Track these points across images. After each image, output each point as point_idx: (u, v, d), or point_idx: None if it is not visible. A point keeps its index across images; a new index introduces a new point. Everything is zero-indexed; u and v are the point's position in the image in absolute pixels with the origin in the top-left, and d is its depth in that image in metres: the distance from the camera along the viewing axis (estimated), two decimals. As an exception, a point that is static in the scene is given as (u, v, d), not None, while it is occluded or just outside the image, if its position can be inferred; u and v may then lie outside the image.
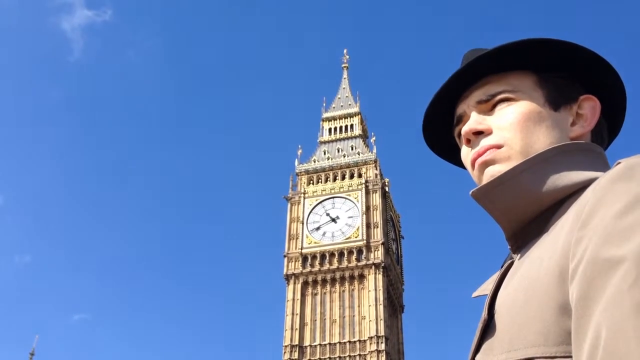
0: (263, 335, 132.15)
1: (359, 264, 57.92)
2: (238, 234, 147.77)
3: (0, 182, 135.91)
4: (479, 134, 1.20)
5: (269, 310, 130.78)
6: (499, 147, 1.16)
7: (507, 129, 1.16)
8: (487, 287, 1.24)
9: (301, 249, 59.68)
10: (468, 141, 1.22)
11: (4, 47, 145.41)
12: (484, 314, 1.05)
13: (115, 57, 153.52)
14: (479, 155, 1.18)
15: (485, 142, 1.18)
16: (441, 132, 1.36)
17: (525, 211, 1.09)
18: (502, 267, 1.18)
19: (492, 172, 1.15)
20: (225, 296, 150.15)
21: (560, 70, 1.23)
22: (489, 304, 1.06)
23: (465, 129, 1.21)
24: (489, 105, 1.22)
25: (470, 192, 1.12)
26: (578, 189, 1.06)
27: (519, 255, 1.11)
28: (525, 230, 1.11)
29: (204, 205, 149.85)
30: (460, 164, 1.34)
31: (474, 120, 1.21)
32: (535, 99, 1.19)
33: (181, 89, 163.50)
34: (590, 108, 1.22)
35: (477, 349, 1.06)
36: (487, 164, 1.17)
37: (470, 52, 1.30)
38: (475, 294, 1.29)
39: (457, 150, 1.33)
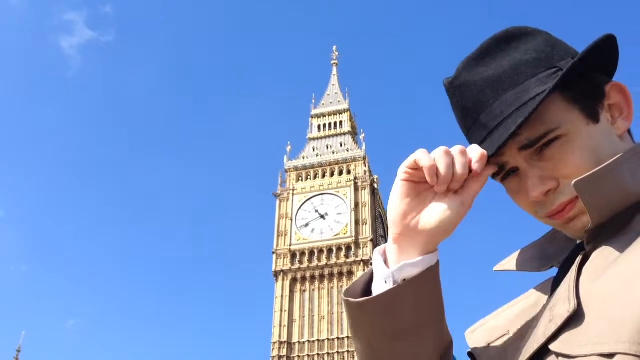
0: (251, 332, 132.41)
1: (348, 260, 57.92)
2: (226, 230, 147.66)
3: (1, 196, 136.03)
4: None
5: (257, 306, 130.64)
6: (576, 198, 1.06)
7: (575, 174, 1.05)
8: (509, 265, 1.23)
9: (290, 245, 59.62)
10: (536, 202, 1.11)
11: (7, 61, 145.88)
12: (573, 303, 0.95)
13: (115, 76, 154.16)
14: (558, 212, 1.09)
15: (561, 199, 1.08)
16: None
17: (617, 204, 1.02)
18: (566, 259, 1.11)
19: (582, 224, 1.07)
20: (214, 293, 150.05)
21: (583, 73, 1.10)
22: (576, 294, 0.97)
23: (534, 194, 1.09)
24: (535, 149, 1.09)
25: (573, 182, 1.01)
26: None
27: (598, 248, 1.03)
28: (610, 223, 1.03)
29: (194, 202, 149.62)
30: None
31: (536, 178, 1.09)
32: (579, 121, 1.08)
33: (173, 89, 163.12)
34: (619, 95, 1.13)
35: (553, 337, 0.97)
36: (571, 219, 1.08)
37: (459, 79, 1.14)
38: (497, 268, 1.25)
39: None
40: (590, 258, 1.03)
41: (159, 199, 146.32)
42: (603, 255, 1.01)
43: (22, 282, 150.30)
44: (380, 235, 63.01)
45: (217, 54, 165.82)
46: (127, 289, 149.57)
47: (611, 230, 1.03)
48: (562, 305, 0.97)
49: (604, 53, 1.10)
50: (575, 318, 0.94)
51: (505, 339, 1.12)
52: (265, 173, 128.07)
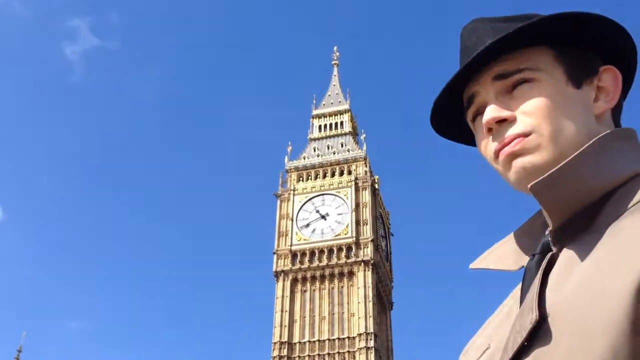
0: (252, 332, 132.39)
1: (349, 261, 57.97)
2: (227, 230, 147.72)
3: (1, 197, 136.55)
4: (502, 121, 1.09)
5: (258, 307, 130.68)
6: (526, 135, 1.06)
7: (534, 114, 1.06)
8: (487, 262, 1.20)
9: (290, 245, 59.66)
10: (489, 130, 1.12)
11: (11, 66, 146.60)
12: (535, 314, 0.92)
13: (118, 79, 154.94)
14: (505, 145, 1.08)
15: (510, 131, 1.08)
16: (447, 116, 1.26)
17: (578, 203, 1.00)
18: (532, 256, 1.08)
19: (522, 164, 1.06)
20: (215, 293, 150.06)
21: (577, 42, 1.14)
22: (539, 303, 0.93)
23: (487, 117, 1.10)
24: (507, 84, 1.11)
25: (529, 186, 1.00)
26: (627, 181, 1.00)
27: (564, 249, 1.00)
28: (571, 222, 1.00)
29: (194, 202, 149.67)
30: (469, 143, 1.26)
31: (495, 108, 1.10)
32: (558, 78, 1.10)
33: (174, 90, 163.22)
34: (611, 80, 1.14)
35: (520, 352, 0.93)
36: (515, 155, 1.07)
37: (471, 25, 1.20)
38: (474, 265, 1.22)
39: (466, 130, 1.24)
40: (557, 261, 1.00)
41: (161, 200, 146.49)
42: (568, 258, 0.97)
43: (24, 284, 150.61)
44: (380, 236, 63.06)
45: (219, 55, 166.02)
46: (129, 291, 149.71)
47: (576, 228, 1.00)
48: (527, 315, 0.94)
49: (609, 37, 1.13)
50: (543, 330, 0.91)
51: (487, 354, 1.08)
52: (266, 173, 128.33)
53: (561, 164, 1.00)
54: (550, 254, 1.02)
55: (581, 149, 1.01)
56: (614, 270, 0.86)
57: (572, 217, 1.00)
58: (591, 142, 1.02)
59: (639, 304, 0.82)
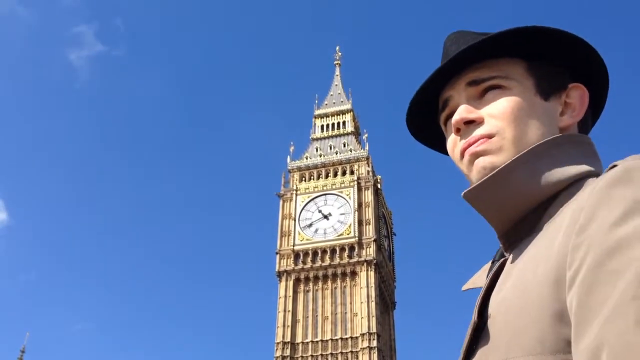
0: (255, 333, 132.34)
1: (351, 260, 57.90)
2: (230, 230, 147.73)
3: (7, 201, 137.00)
4: (470, 123, 1.15)
5: (261, 307, 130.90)
6: (490, 136, 1.11)
7: (500, 118, 1.12)
8: (477, 281, 1.22)
9: (293, 245, 59.59)
10: (458, 130, 1.16)
11: (16, 71, 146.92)
12: (474, 317, 1.01)
13: (123, 88, 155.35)
14: (470, 145, 1.13)
15: (477, 132, 1.13)
16: (425, 121, 1.30)
17: (518, 209, 1.06)
18: (492, 262, 1.16)
19: (484, 163, 1.11)
20: (218, 294, 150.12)
21: (549, 57, 1.18)
22: (481, 306, 1.02)
23: (456, 117, 1.16)
24: (479, 90, 1.17)
25: (462, 194, 1.08)
26: (571, 183, 1.05)
27: (511, 254, 1.08)
28: (517, 228, 1.07)
29: (197, 203, 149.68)
30: (446, 151, 1.28)
31: (464, 109, 1.16)
32: (527, 88, 1.15)
33: (177, 91, 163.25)
34: (578, 97, 1.18)
35: (468, 352, 1.02)
36: (477, 154, 1.12)
37: (454, 35, 1.24)
38: (465, 287, 1.26)
39: (442, 138, 1.27)
40: (505, 265, 1.07)
41: (163, 202, 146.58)
42: (510, 261, 1.06)
43: (28, 285, 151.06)
44: (383, 236, 62.93)
45: (221, 55, 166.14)
46: (131, 292, 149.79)
47: (521, 233, 1.07)
48: (472, 318, 1.02)
49: (579, 56, 1.18)
50: (485, 332, 0.99)
51: None
52: (268, 173, 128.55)
53: (492, 173, 1.06)
54: (501, 260, 1.10)
55: (514, 157, 1.06)
56: (536, 265, 0.94)
57: (517, 222, 1.07)
58: (526, 150, 1.07)
59: (559, 294, 0.88)
